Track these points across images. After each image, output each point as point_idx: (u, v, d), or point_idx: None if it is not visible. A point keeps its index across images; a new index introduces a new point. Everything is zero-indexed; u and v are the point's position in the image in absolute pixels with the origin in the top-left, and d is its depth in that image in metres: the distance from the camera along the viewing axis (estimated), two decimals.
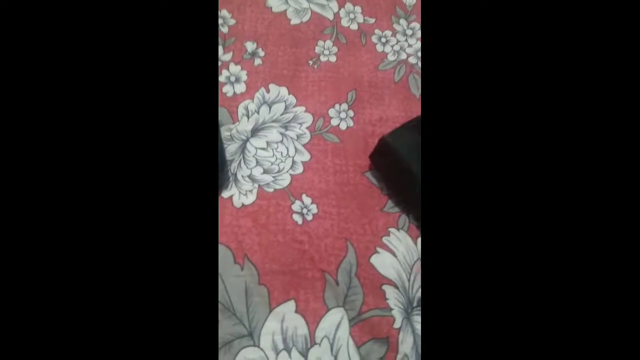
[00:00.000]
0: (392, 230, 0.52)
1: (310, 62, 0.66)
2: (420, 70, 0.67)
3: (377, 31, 0.70)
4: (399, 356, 0.45)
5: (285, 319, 0.46)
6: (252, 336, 0.45)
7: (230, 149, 0.57)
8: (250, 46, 0.67)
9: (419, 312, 0.47)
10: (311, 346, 0.45)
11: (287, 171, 0.56)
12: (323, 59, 0.66)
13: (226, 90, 0.62)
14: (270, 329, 0.45)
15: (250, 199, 0.53)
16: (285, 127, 0.60)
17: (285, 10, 0.71)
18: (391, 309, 0.47)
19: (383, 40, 0.70)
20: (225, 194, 0.53)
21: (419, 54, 0.68)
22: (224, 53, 0.65)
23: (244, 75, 0.64)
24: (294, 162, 0.56)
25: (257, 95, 0.62)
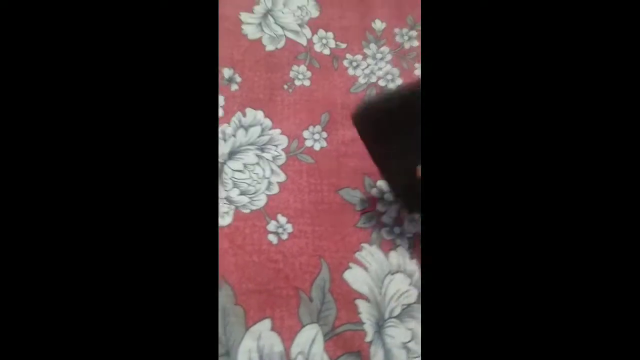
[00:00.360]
0: (364, 245, 0.55)
1: (285, 87, 0.69)
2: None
3: (348, 55, 0.74)
4: None
5: (261, 337, 0.47)
6: (229, 355, 0.46)
7: None
8: (227, 72, 0.70)
9: (391, 325, 0.50)
10: None
11: (263, 192, 0.58)
12: (297, 83, 0.70)
13: None
14: (247, 348, 0.46)
15: (227, 220, 0.55)
16: (262, 149, 0.62)
17: (261, 37, 0.75)
18: (363, 323, 0.49)
19: (354, 64, 0.73)
20: None
21: (388, 77, 0.72)
22: None
23: (221, 101, 0.66)
24: (269, 183, 0.59)
25: (234, 119, 0.65)
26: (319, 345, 0.47)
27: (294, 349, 0.47)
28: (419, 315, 0.50)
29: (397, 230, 0.57)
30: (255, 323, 0.48)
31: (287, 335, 0.48)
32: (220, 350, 0.46)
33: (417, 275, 0.53)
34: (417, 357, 0.48)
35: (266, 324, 0.48)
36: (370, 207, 0.58)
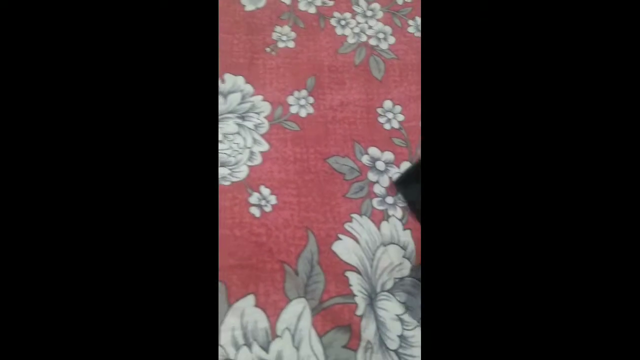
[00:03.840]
0: (354, 216, 0.51)
1: (268, 49, 0.64)
2: (380, 53, 0.65)
3: (336, 14, 0.68)
4: (362, 343, 0.44)
5: (244, 313, 0.45)
6: None
7: None
8: None
9: (383, 298, 0.47)
10: (272, 339, 0.44)
11: (245, 163, 0.54)
12: (281, 45, 0.64)
13: None
14: (230, 325, 0.44)
15: None
16: (243, 118, 0.58)
17: None
18: (354, 296, 0.46)
19: (342, 23, 0.68)
20: None
21: (380, 35, 0.66)
22: None
23: None
24: (251, 153, 0.55)
25: None
26: (306, 320, 0.45)
27: (280, 325, 0.44)
28: (412, 289, 0.47)
29: (389, 200, 0.53)
30: (238, 299, 0.45)
31: (272, 311, 0.45)
32: None
33: (411, 247, 0.50)
34: (412, 327, 0.45)
35: (250, 300, 0.45)
36: (360, 176, 0.54)
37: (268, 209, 0.51)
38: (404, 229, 0.51)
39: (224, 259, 0.47)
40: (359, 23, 0.68)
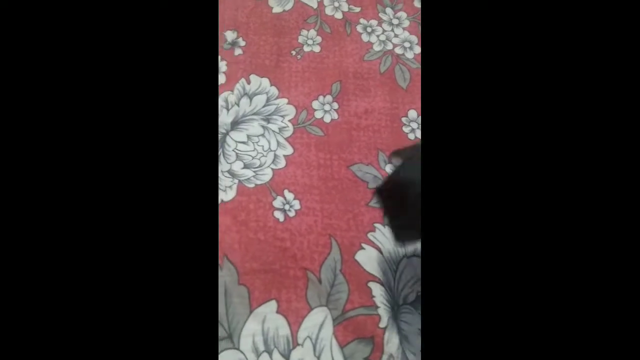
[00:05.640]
0: (377, 226, 0.51)
1: (294, 52, 0.63)
2: (406, 62, 0.65)
3: (362, 20, 0.68)
4: (385, 356, 0.43)
5: (266, 319, 0.44)
6: (231, 338, 0.43)
7: None
8: (230, 35, 0.64)
9: (406, 311, 0.46)
10: (293, 347, 0.43)
11: (269, 166, 0.53)
12: (307, 49, 0.64)
13: None
14: (251, 331, 0.43)
15: (229, 195, 0.51)
16: (267, 120, 0.57)
17: None
18: (377, 307, 0.46)
19: (369, 30, 0.67)
20: None
21: (405, 44, 0.66)
22: None
23: (223, 66, 0.61)
24: (275, 156, 0.54)
25: (237, 86, 0.59)
26: (328, 330, 0.44)
27: (301, 334, 0.44)
28: None
29: None
30: (260, 305, 0.44)
31: (294, 318, 0.44)
32: (222, 333, 0.43)
33: None
34: None
35: (272, 305, 0.45)
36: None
37: (292, 213, 0.50)
38: None
39: (248, 263, 0.46)
40: (385, 31, 0.67)
